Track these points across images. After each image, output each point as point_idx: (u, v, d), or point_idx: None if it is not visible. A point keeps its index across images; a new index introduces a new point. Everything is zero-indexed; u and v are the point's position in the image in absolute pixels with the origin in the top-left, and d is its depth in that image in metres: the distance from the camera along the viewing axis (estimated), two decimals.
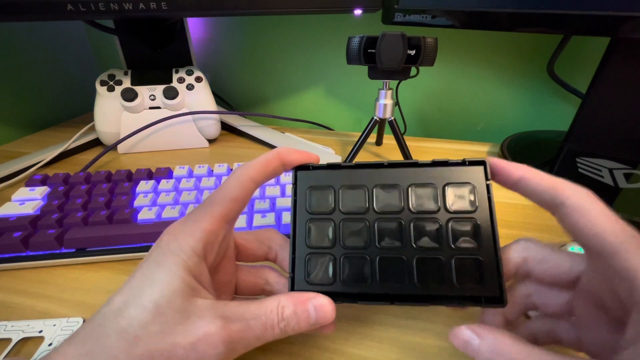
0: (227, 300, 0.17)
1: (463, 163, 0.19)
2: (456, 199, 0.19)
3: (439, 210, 0.19)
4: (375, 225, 0.19)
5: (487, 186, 0.19)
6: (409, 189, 0.19)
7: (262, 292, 0.22)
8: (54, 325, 0.24)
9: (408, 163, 0.19)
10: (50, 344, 0.22)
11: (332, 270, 0.19)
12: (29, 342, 0.23)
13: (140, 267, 0.17)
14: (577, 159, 0.41)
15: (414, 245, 0.19)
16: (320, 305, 0.18)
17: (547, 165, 0.41)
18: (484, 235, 0.18)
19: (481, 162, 0.19)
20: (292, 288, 0.19)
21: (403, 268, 0.19)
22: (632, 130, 0.40)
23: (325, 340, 0.23)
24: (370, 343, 0.23)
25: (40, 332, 0.23)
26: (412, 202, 0.19)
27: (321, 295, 0.18)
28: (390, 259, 0.19)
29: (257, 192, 0.34)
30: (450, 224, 0.18)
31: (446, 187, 0.19)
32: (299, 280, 0.19)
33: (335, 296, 0.18)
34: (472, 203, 0.19)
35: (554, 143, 0.45)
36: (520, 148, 0.45)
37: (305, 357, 0.22)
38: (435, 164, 0.19)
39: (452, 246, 0.18)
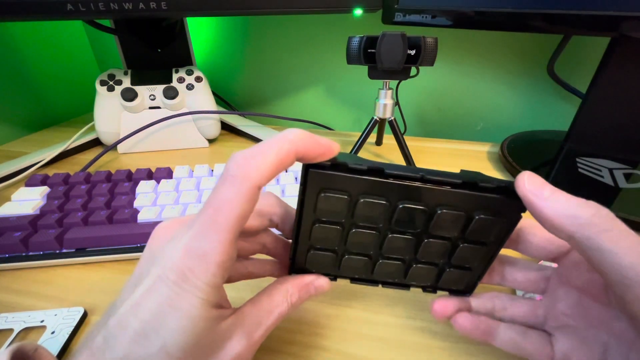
0: (243, 308, 0.17)
1: (505, 192, 0.16)
2: (478, 230, 0.17)
3: (457, 236, 0.18)
4: (387, 238, 0.18)
5: (516, 221, 0.17)
6: (436, 211, 0.17)
7: (260, 253, 0.22)
8: (55, 315, 0.24)
9: (443, 182, 0.16)
10: (52, 332, 0.23)
11: (331, 263, 0.20)
12: (32, 332, 0.23)
13: (146, 304, 0.14)
14: (577, 159, 0.41)
15: (417, 257, 0.19)
16: (320, 286, 0.20)
17: (547, 165, 0.41)
18: (484, 257, 0.19)
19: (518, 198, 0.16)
20: (292, 268, 0.20)
21: (400, 269, 0.20)
22: (632, 130, 0.40)
23: (325, 340, 0.23)
24: (370, 343, 0.23)
25: (42, 321, 0.23)
26: (434, 225, 0.17)
27: (321, 277, 0.20)
28: (391, 261, 0.19)
29: None
30: (460, 247, 0.18)
31: (475, 217, 0.17)
32: (298, 267, 0.20)
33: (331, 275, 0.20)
34: (491, 234, 0.18)
35: (554, 143, 0.45)
36: (520, 148, 0.45)
37: (305, 357, 0.22)
38: (474, 188, 0.16)
39: (452, 262, 0.19)
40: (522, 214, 0.17)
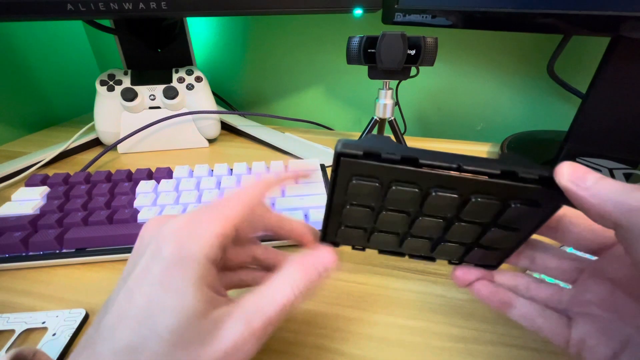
0: (241, 297, 0.17)
1: (545, 181, 0.15)
2: (512, 217, 0.17)
3: (489, 221, 0.17)
4: (417, 220, 0.18)
5: (555, 210, 0.16)
6: (470, 199, 0.16)
7: (250, 264, 0.22)
8: (57, 316, 0.24)
9: (480, 172, 0.15)
10: (54, 334, 0.23)
11: (361, 238, 0.20)
12: (33, 333, 0.23)
13: (141, 282, 0.15)
14: (577, 159, 0.41)
15: (446, 237, 0.19)
16: (324, 259, 0.18)
17: (547, 165, 0.41)
18: (515, 240, 0.18)
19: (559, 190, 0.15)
20: (323, 239, 0.21)
21: (428, 245, 0.20)
22: (632, 130, 0.40)
23: (325, 340, 0.23)
24: (370, 343, 0.23)
25: (44, 323, 0.23)
26: (467, 211, 0.17)
27: (321, 248, 0.19)
28: (419, 239, 0.19)
29: None
30: (490, 231, 0.18)
31: (511, 205, 0.16)
32: (329, 239, 0.21)
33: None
34: (526, 222, 0.17)
35: (554, 143, 0.45)
36: (520, 148, 0.45)
37: (305, 357, 0.22)
38: (513, 177, 0.15)
39: (481, 243, 0.19)
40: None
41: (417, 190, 0.16)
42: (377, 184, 0.16)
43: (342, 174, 0.16)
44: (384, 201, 0.17)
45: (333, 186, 0.17)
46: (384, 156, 0.15)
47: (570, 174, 0.14)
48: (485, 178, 0.15)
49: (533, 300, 0.19)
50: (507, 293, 0.19)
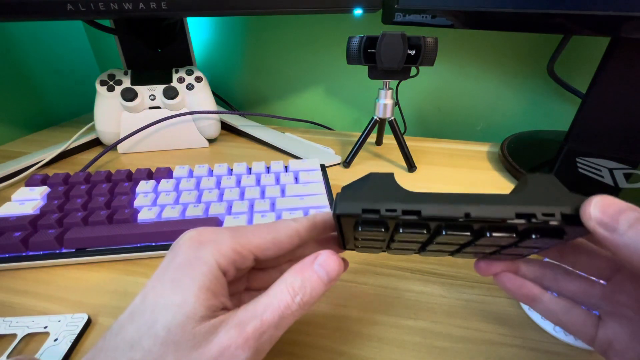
0: (242, 305, 0.17)
1: (569, 220, 0.14)
2: (532, 244, 0.16)
3: (508, 245, 0.16)
4: (429, 244, 0.18)
5: (582, 234, 0.15)
6: (484, 234, 0.15)
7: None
8: (59, 321, 0.24)
9: (489, 219, 0.14)
10: (55, 339, 0.22)
11: (378, 249, 0.21)
12: (35, 338, 0.23)
13: (156, 282, 0.16)
14: (577, 159, 0.41)
15: (463, 250, 0.18)
16: (323, 262, 0.17)
17: (547, 165, 0.41)
18: (530, 248, 0.17)
19: (581, 225, 0.14)
20: (344, 247, 0.21)
21: (445, 255, 0.20)
22: (632, 130, 0.40)
23: (325, 340, 0.23)
24: (370, 343, 0.23)
25: (45, 327, 0.23)
26: (481, 242, 0.16)
27: (321, 252, 0.18)
28: (435, 252, 0.19)
29: (257, 192, 0.34)
30: (510, 248, 0.17)
31: (532, 237, 0.15)
32: (348, 245, 0.21)
33: None
34: (546, 245, 0.16)
35: (554, 143, 0.45)
36: (520, 148, 0.45)
37: (305, 357, 0.22)
38: (532, 216, 0.14)
39: (501, 252, 0.18)
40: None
41: (424, 232, 0.15)
42: (382, 229, 0.16)
43: (345, 226, 0.17)
44: (393, 237, 0.17)
45: (340, 229, 0.17)
46: (383, 214, 0.15)
47: (598, 217, 0.12)
48: (500, 224, 0.14)
49: (561, 294, 0.18)
50: (533, 288, 0.19)
